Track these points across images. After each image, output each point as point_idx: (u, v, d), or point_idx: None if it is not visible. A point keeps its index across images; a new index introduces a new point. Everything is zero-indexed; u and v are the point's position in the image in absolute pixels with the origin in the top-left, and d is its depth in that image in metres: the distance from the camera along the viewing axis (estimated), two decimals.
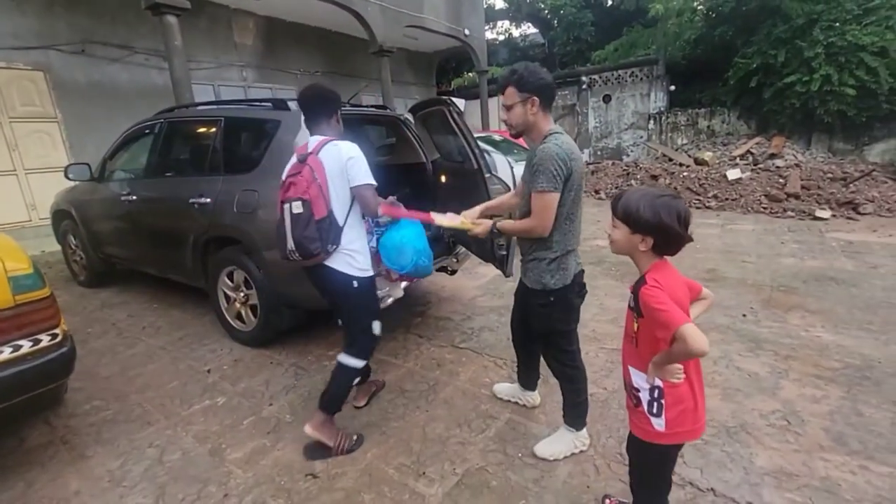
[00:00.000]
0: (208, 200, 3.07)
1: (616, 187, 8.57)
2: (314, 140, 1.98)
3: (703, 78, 10.36)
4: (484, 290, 4.12)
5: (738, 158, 8.12)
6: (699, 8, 10.55)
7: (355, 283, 2.00)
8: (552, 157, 1.66)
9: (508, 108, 1.77)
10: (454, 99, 2.65)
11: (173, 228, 3.41)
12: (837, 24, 7.80)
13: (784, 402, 2.31)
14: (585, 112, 12.24)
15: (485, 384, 2.61)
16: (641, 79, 11.26)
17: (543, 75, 1.75)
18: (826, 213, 5.85)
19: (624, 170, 8.99)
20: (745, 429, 2.13)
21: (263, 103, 3.16)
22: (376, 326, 2.14)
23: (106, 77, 7.02)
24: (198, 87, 6.63)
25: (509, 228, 1.89)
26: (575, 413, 2.05)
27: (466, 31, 11.18)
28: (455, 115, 2.54)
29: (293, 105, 2.92)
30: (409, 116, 3.67)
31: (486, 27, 14.91)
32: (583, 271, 1.95)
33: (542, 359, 2.22)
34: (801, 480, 1.82)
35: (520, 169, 4.98)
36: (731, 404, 2.31)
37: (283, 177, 1.99)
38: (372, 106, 3.82)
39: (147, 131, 3.82)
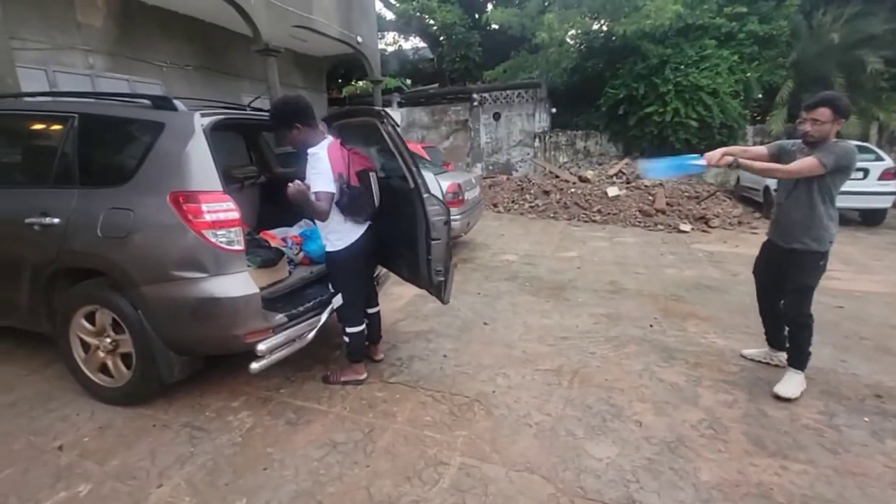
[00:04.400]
0: (56, 221, 2.36)
1: (511, 201, 8.97)
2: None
3: (579, 103, 11.46)
4: (404, 313, 3.87)
5: (614, 177, 9.12)
6: (572, 42, 11.69)
7: None
8: (848, 150, 2.36)
9: (818, 122, 2.34)
10: (389, 111, 2.39)
11: None
12: (682, 66, 9.26)
13: (706, 410, 2.48)
14: (477, 128, 12.70)
15: (427, 424, 2.38)
16: (527, 100, 12.07)
17: (850, 104, 2.43)
18: (687, 227, 6.82)
19: (518, 185, 9.48)
20: (683, 442, 2.22)
21: (138, 100, 2.53)
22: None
23: None
24: (24, 72, 5.28)
25: (750, 165, 2.49)
26: (802, 358, 2.60)
27: (359, 39, 10.83)
28: (391, 129, 2.28)
29: (181, 105, 2.38)
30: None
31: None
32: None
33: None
34: (742, 489, 1.93)
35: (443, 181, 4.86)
36: (664, 418, 2.41)
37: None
38: None
39: None
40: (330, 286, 2.63)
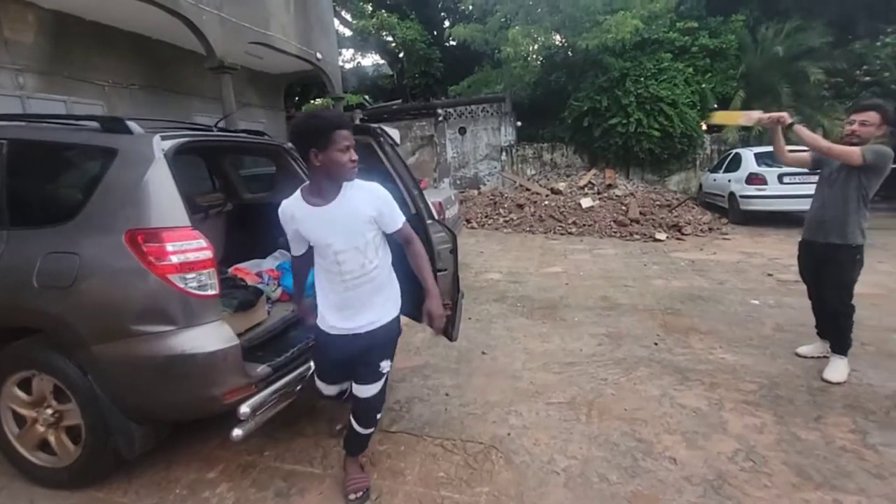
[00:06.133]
0: None
1: (485, 216, 8.84)
2: None
3: (544, 116, 11.60)
4: None
5: (585, 188, 9.18)
6: (535, 56, 11.85)
7: None
8: (887, 153, 2.53)
9: (866, 123, 2.55)
10: (386, 127, 2.13)
11: None
12: (642, 78, 9.53)
13: (737, 437, 2.32)
14: (443, 143, 12.59)
15: (442, 482, 2.08)
16: (492, 114, 12.09)
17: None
18: (662, 235, 6.87)
19: (490, 199, 9.37)
20: (725, 479, 2.04)
21: (83, 122, 2.15)
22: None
23: None
24: None
25: (804, 132, 2.61)
26: (845, 343, 2.80)
27: (319, 55, 10.52)
28: (388, 149, 2.02)
29: (137, 127, 2.02)
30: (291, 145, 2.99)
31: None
32: None
33: None
34: None
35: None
36: (697, 451, 2.23)
37: None
38: (243, 131, 3.01)
39: None
40: (380, 360, 1.87)
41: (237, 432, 1.90)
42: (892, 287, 4.47)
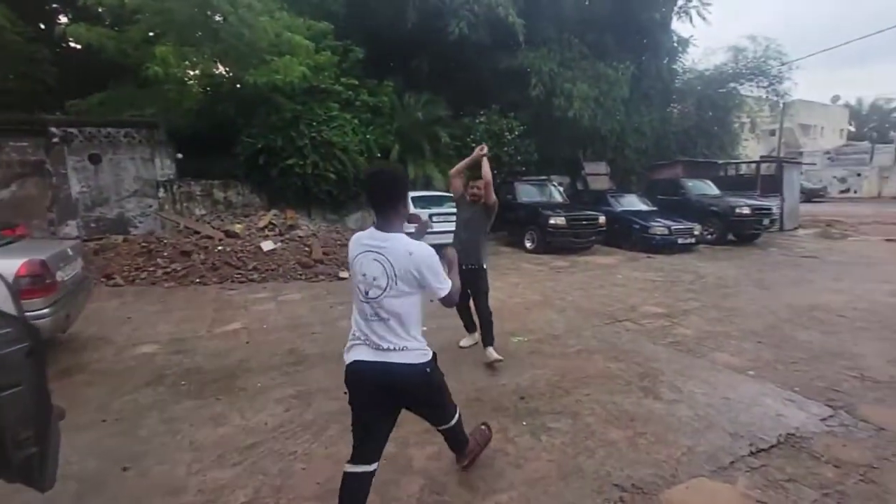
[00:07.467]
0: None
1: (136, 268, 6.99)
2: None
3: (213, 150, 10.35)
4: None
5: (265, 229, 8.60)
6: (193, 82, 10.53)
7: None
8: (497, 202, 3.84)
9: (479, 187, 3.72)
10: None
11: None
12: (315, 123, 9.89)
13: (422, 472, 2.44)
14: (63, 173, 9.40)
15: None
16: (141, 142, 9.90)
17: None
18: (346, 273, 7.14)
19: (143, 246, 7.46)
20: None
21: None
22: None
23: None
24: None
25: (487, 171, 3.73)
26: (492, 337, 3.86)
27: None
28: None
29: None
30: None
31: None
32: None
33: None
34: None
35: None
36: None
37: None
38: None
39: None
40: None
41: None
42: (502, 299, 6.00)
